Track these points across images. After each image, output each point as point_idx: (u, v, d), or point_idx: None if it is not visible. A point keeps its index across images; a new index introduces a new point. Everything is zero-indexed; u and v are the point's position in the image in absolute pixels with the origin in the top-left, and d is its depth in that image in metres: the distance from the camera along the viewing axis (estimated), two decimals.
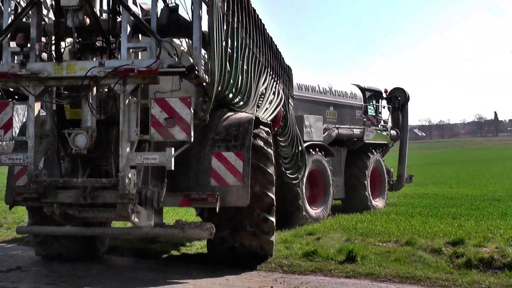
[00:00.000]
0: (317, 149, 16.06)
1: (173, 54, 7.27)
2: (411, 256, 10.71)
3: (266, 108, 11.26)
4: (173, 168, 7.47)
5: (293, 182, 14.00)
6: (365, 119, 19.58)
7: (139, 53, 7.89)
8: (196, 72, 7.27)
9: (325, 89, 17.69)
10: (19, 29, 7.72)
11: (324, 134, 16.93)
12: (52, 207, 7.72)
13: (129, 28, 7.52)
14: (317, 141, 16.19)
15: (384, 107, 21.25)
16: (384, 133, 20.40)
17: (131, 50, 7.55)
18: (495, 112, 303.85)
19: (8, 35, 7.66)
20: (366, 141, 18.81)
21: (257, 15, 10.19)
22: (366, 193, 18.31)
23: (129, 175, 7.42)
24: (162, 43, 7.27)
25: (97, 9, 7.91)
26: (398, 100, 21.59)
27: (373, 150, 19.13)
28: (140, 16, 7.97)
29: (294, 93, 15.51)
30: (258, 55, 10.18)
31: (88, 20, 7.59)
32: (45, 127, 7.89)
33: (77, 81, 7.46)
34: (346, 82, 19.49)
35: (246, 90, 9.48)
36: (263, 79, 10.71)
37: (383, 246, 11.60)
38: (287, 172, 13.66)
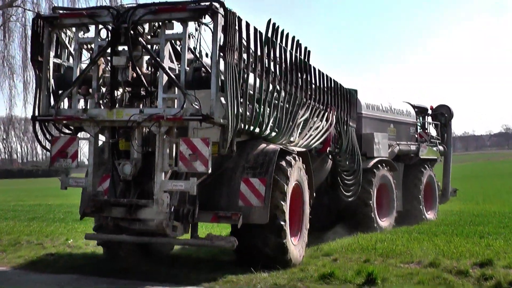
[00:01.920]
0: (384, 164, 18.10)
1: (194, 104, 9.67)
2: (435, 279, 10.55)
3: (311, 135, 13.52)
4: (195, 193, 9.92)
5: (348, 199, 16.10)
6: (417, 136, 21.57)
7: (175, 100, 10.35)
8: (212, 119, 9.57)
9: (387, 107, 19.76)
10: (84, 81, 10.31)
11: (389, 150, 19.01)
12: (106, 220, 10.28)
13: (165, 81, 9.97)
14: (384, 157, 18.29)
15: (430, 124, 23.14)
16: (434, 148, 22.36)
17: (166, 99, 9.99)
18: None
19: (76, 87, 10.27)
20: (421, 157, 20.80)
21: (297, 58, 12.53)
22: (421, 206, 20.29)
23: (163, 198, 9.83)
24: (186, 95, 9.69)
25: (143, 66, 10.39)
26: (445, 116, 23.49)
27: (426, 165, 21.08)
28: (180, 66, 10.29)
29: (363, 112, 18.03)
30: (295, 93, 12.35)
31: (134, 75, 10.14)
32: (103, 156, 10.52)
33: (124, 123, 10.04)
34: (400, 100, 21.61)
35: (276, 124, 11.63)
36: (302, 112, 12.91)
37: (405, 268, 11.60)
38: (346, 188, 15.78)
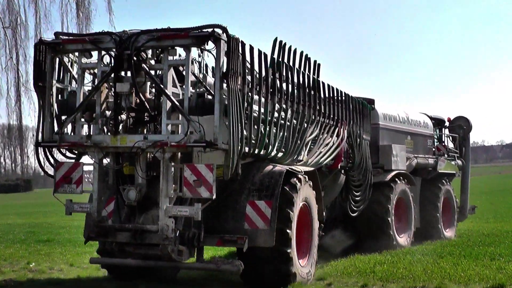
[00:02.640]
0: (402, 178, 18.19)
1: (198, 131, 9.90)
2: None
3: (320, 152, 13.93)
4: (200, 219, 10.39)
5: (353, 215, 16.41)
6: (434, 149, 21.43)
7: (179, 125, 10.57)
8: (216, 145, 10.05)
9: (404, 118, 19.75)
10: (87, 106, 10.59)
11: (407, 164, 18.97)
12: (111, 245, 10.57)
13: (168, 107, 10.19)
14: (402, 170, 18.38)
15: (447, 136, 22.93)
16: (453, 162, 22.19)
17: (170, 125, 10.22)
18: None
19: (79, 113, 10.52)
20: (439, 171, 20.64)
21: (304, 75, 12.98)
22: (439, 225, 20.18)
23: (167, 223, 10.24)
24: (190, 122, 9.92)
25: (147, 92, 10.62)
26: (463, 129, 23.13)
27: (444, 180, 20.97)
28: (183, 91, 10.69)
29: (380, 122, 18.24)
30: (303, 111, 12.84)
31: (137, 101, 10.36)
32: (108, 181, 10.76)
33: (128, 149, 10.55)
34: (416, 111, 21.61)
35: (282, 144, 11.87)
36: (311, 130, 13.30)
37: None
38: (355, 204, 16.07)
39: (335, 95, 14.79)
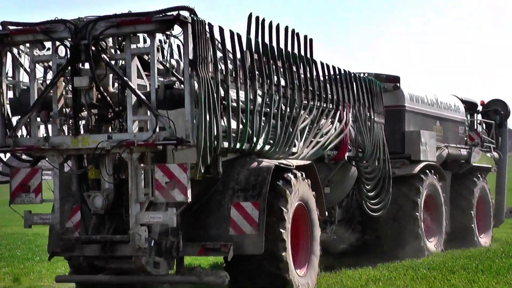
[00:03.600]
0: (432, 171, 16.89)
1: (168, 127, 9.03)
2: None
3: (319, 142, 13.17)
4: (175, 225, 9.84)
5: (374, 214, 15.22)
6: (466, 137, 19.73)
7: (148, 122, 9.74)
8: (188, 142, 9.52)
9: (432, 100, 18.32)
10: (43, 104, 10.16)
11: (437, 154, 17.54)
12: (78, 259, 9.82)
13: (134, 101, 9.29)
14: (432, 162, 17.03)
15: (480, 123, 21.19)
16: (488, 154, 20.44)
17: (136, 122, 9.39)
18: None
19: (34, 112, 9.68)
20: (473, 164, 19.05)
21: (295, 59, 12.09)
22: (473, 226, 18.65)
23: (139, 232, 9.73)
24: (158, 117, 9.12)
25: (110, 85, 9.73)
26: (501, 114, 21.06)
27: (478, 176, 19.41)
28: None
29: (406, 104, 16.86)
30: (292, 95, 12.09)
31: (99, 96, 9.43)
32: (71, 187, 9.95)
33: (91, 151, 9.99)
34: (446, 92, 20.09)
35: (269, 136, 11.14)
36: (304, 116, 12.58)
37: None
38: (372, 201, 15.11)
39: (333, 73, 13.87)
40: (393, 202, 15.70)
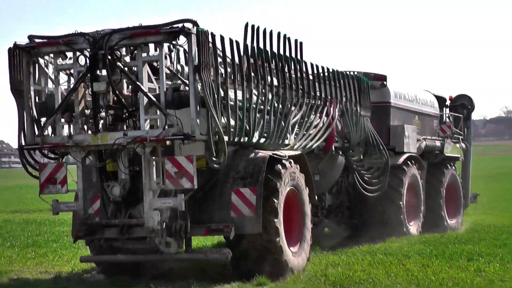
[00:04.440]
0: (413, 162, 18.67)
1: (176, 124, 10.62)
2: None
3: (309, 134, 14.83)
4: (184, 209, 11.45)
5: (372, 194, 17.02)
6: (439, 130, 21.55)
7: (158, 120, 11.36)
8: (193, 137, 11.11)
9: (412, 97, 20.07)
10: (66, 107, 11.66)
11: (417, 146, 19.34)
12: (100, 241, 11.30)
13: (145, 103, 10.90)
14: (413, 153, 18.85)
15: (449, 117, 22.89)
16: (457, 145, 22.19)
17: (148, 120, 10.96)
18: None
19: (59, 114, 11.30)
20: (446, 154, 20.80)
21: (286, 61, 13.68)
22: (442, 212, 20.37)
23: (153, 216, 11.00)
24: (167, 116, 10.68)
25: (124, 89, 11.38)
26: (468, 108, 22.90)
27: (448, 164, 21.13)
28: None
29: (392, 101, 18.68)
30: (284, 94, 13.73)
31: (115, 98, 11.09)
32: (92, 179, 11.45)
33: (109, 147, 11.60)
34: (419, 88, 21.79)
35: (264, 130, 12.63)
36: (295, 112, 14.21)
37: None
38: (368, 182, 16.91)
39: (321, 72, 15.47)
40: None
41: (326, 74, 15.63)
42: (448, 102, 23.20)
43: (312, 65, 15.07)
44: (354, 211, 17.90)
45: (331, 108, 15.69)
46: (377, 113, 18.02)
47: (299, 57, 14.38)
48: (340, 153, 16.62)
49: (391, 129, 18.55)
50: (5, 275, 13.74)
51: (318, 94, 15.20)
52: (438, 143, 20.91)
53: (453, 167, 21.79)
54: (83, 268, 14.23)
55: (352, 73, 17.32)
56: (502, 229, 19.02)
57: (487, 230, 19.00)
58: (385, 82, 18.57)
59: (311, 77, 14.99)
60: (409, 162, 18.41)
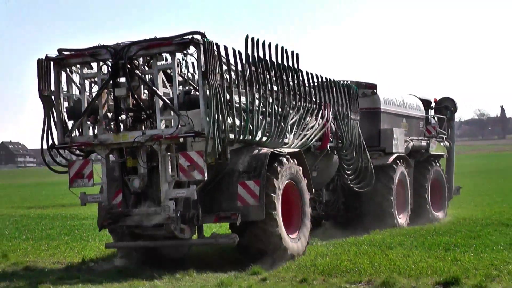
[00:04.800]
0: (401, 161, 20.70)
1: (187, 123, 12.23)
2: None
3: (306, 134, 16.56)
4: (196, 198, 13.13)
5: (361, 190, 18.91)
6: (425, 131, 23.65)
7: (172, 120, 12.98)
8: (203, 134, 12.62)
9: (400, 102, 22.14)
10: (92, 110, 13.08)
11: (404, 147, 21.34)
12: (123, 228, 12.91)
13: (160, 105, 12.54)
14: (402, 153, 20.89)
15: (434, 118, 24.90)
16: (442, 144, 24.32)
17: (163, 120, 12.54)
18: (502, 107, 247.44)
19: (85, 116, 12.94)
20: (431, 153, 22.92)
21: (279, 65, 15.37)
22: (427, 205, 22.32)
23: (169, 205, 12.47)
24: (180, 116, 12.26)
25: (142, 93, 12.94)
26: (450, 110, 25.00)
27: (433, 162, 23.23)
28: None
29: (381, 107, 20.69)
30: (282, 98, 15.43)
31: (134, 102, 12.72)
32: (114, 174, 13.06)
33: (130, 144, 13.17)
34: (407, 92, 23.95)
35: (265, 131, 14.25)
36: (293, 114, 15.84)
37: None
38: (352, 182, 18.69)
39: (315, 80, 17.35)
40: (372, 188, 19.34)
41: (320, 81, 17.48)
42: (433, 105, 25.20)
43: (307, 73, 16.86)
44: (349, 206, 19.70)
45: (325, 111, 17.50)
46: (368, 118, 20.16)
47: (295, 66, 16.14)
48: (335, 152, 18.42)
49: (381, 132, 20.56)
50: (20, 265, 14.87)
51: (313, 99, 17.02)
52: (424, 143, 22.98)
53: (438, 164, 23.91)
54: (91, 258, 15.48)
55: (345, 82, 19.26)
56: (476, 222, 20.14)
57: (463, 223, 20.16)
58: (375, 90, 20.54)
59: (307, 84, 16.80)
60: (398, 162, 20.37)
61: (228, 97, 13.46)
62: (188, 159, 12.99)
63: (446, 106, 25.28)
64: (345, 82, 19.15)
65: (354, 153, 18.84)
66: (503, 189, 35.38)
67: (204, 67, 12.80)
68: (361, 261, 13.17)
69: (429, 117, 25.02)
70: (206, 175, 12.95)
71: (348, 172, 18.80)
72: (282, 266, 13.29)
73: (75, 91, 14.21)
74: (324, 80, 17.76)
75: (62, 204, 35.19)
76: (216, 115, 12.91)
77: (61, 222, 24.72)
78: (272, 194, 14.03)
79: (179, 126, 12.90)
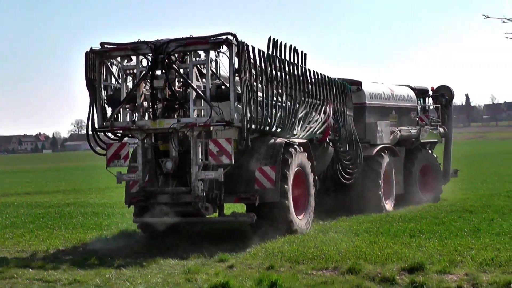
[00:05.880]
0: (386, 151, 22.40)
1: (218, 113, 14.03)
2: None
3: (311, 127, 18.41)
4: (222, 180, 14.73)
5: (346, 182, 20.69)
6: (418, 119, 25.26)
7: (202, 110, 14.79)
8: (233, 123, 14.16)
9: (389, 95, 23.86)
10: (131, 98, 14.75)
11: (391, 137, 23.04)
12: (154, 205, 14.63)
13: (194, 96, 14.30)
14: (387, 144, 22.64)
15: (430, 106, 26.52)
16: (435, 131, 25.93)
17: (195, 110, 14.33)
18: (467, 96, 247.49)
19: (125, 104, 14.66)
20: (422, 141, 24.64)
21: (293, 64, 17.16)
22: (417, 189, 24.19)
23: (198, 185, 14.30)
24: (213, 107, 14.02)
25: (176, 85, 14.69)
26: (446, 98, 26.66)
27: (423, 149, 24.94)
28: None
29: (367, 102, 22.48)
30: (294, 94, 17.22)
31: (169, 93, 14.49)
32: (148, 156, 14.83)
33: (165, 130, 14.82)
34: (399, 84, 25.60)
35: (280, 122, 16.08)
36: (301, 109, 17.81)
37: (318, 275, 11.33)
38: (346, 172, 20.50)
39: (320, 78, 19.16)
40: (362, 172, 21.05)
41: (322, 79, 19.24)
42: (430, 93, 26.74)
43: (314, 71, 18.64)
44: (338, 193, 21.29)
45: (327, 107, 19.36)
46: (355, 113, 21.83)
47: (303, 65, 17.95)
48: (331, 144, 20.20)
49: (366, 126, 22.27)
50: None
51: (318, 95, 18.85)
52: (414, 132, 24.51)
53: (430, 150, 25.47)
54: (57, 247, 15.56)
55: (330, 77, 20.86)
56: (441, 209, 20.67)
57: (428, 210, 20.72)
58: (360, 87, 22.28)
59: (313, 82, 18.56)
60: (383, 152, 21.96)
61: (254, 92, 15.19)
62: (218, 145, 14.66)
63: (442, 94, 26.73)
64: (328, 76, 20.38)
65: (348, 146, 20.64)
66: (467, 176, 33.97)
67: (238, 64, 14.58)
68: (328, 248, 13.49)
69: (426, 105, 26.43)
70: (233, 160, 14.64)
71: (343, 163, 20.50)
72: (249, 252, 13.67)
73: (113, 81, 15.84)
74: (326, 78, 19.45)
75: (27, 192, 34.99)
76: (248, 108, 14.68)
77: (26, 210, 24.80)
78: (285, 178, 15.74)
79: (211, 115, 14.63)
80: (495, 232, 15.06)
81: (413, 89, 25.83)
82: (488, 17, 12.40)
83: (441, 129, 26.67)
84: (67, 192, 33.42)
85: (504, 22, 12.16)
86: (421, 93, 26.20)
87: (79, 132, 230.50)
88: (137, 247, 15.11)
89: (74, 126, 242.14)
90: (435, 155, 25.91)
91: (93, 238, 16.54)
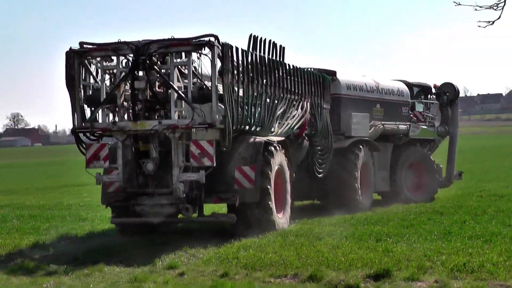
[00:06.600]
0: (364, 144, 22.09)
1: (200, 115, 14.19)
2: None
3: (288, 124, 18.43)
4: (204, 182, 14.90)
5: (319, 176, 20.66)
6: (411, 115, 24.86)
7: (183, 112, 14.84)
8: (215, 125, 14.33)
9: (372, 87, 23.40)
10: (111, 99, 14.84)
11: (371, 130, 22.73)
12: (134, 206, 14.75)
13: (175, 98, 14.40)
14: (364, 137, 22.31)
15: (433, 103, 26.15)
16: (431, 129, 25.56)
17: (177, 112, 14.44)
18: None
19: (105, 104, 14.78)
20: (411, 137, 24.27)
21: (269, 60, 17.03)
22: (400, 188, 23.84)
23: (179, 187, 14.44)
24: (194, 109, 14.19)
25: (156, 87, 14.82)
26: (447, 95, 26.05)
27: (413, 146, 24.57)
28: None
29: (343, 92, 22.12)
30: (273, 91, 17.22)
31: (150, 94, 14.59)
32: (128, 157, 14.91)
33: (146, 132, 14.83)
34: (393, 79, 25.23)
35: (259, 121, 16.39)
36: (280, 106, 17.80)
37: (276, 283, 10.89)
38: (319, 166, 20.52)
39: (298, 72, 19.06)
40: (338, 164, 20.88)
41: (301, 73, 19.15)
42: (434, 90, 26.31)
43: (292, 66, 18.54)
44: (313, 188, 21.07)
45: (305, 103, 19.31)
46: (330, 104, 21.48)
47: (282, 59, 17.80)
48: (306, 138, 20.18)
49: (341, 117, 21.92)
50: None
51: (296, 90, 18.78)
52: (402, 127, 24.00)
53: (424, 148, 25.07)
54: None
55: (307, 69, 20.46)
56: (409, 210, 19.78)
57: (396, 211, 19.79)
58: (334, 77, 21.79)
59: (291, 77, 18.49)
60: (360, 145, 21.60)
61: (236, 92, 15.17)
62: (199, 147, 14.68)
63: (444, 92, 26.03)
64: (307, 69, 20.31)
65: (323, 140, 20.60)
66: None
67: (221, 66, 14.65)
68: (287, 253, 12.81)
69: (421, 102, 25.99)
70: (215, 161, 14.67)
71: (318, 157, 20.45)
72: (201, 258, 13.00)
73: (91, 81, 15.78)
74: (304, 72, 19.27)
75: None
76: (230, 109, 14.69)
77: None
78: (267, 177, 15.87)
79: (193, 117, 14.58)
80: (467, 236, 14.33)
81: (410, 84, 25.41)
82: (459, 4, 12.24)
83: (441, 128, 26.17)
84: (1, 193, 32.91)
85: (476, 10, 12.03)
86: (422, 90, 25.76)
87: (15, 127, 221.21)
88: (78, 253, 14.19)
89: (10, 120, 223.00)
90: (427, 153, 25.33)
91: (29, 244, 15.69)
